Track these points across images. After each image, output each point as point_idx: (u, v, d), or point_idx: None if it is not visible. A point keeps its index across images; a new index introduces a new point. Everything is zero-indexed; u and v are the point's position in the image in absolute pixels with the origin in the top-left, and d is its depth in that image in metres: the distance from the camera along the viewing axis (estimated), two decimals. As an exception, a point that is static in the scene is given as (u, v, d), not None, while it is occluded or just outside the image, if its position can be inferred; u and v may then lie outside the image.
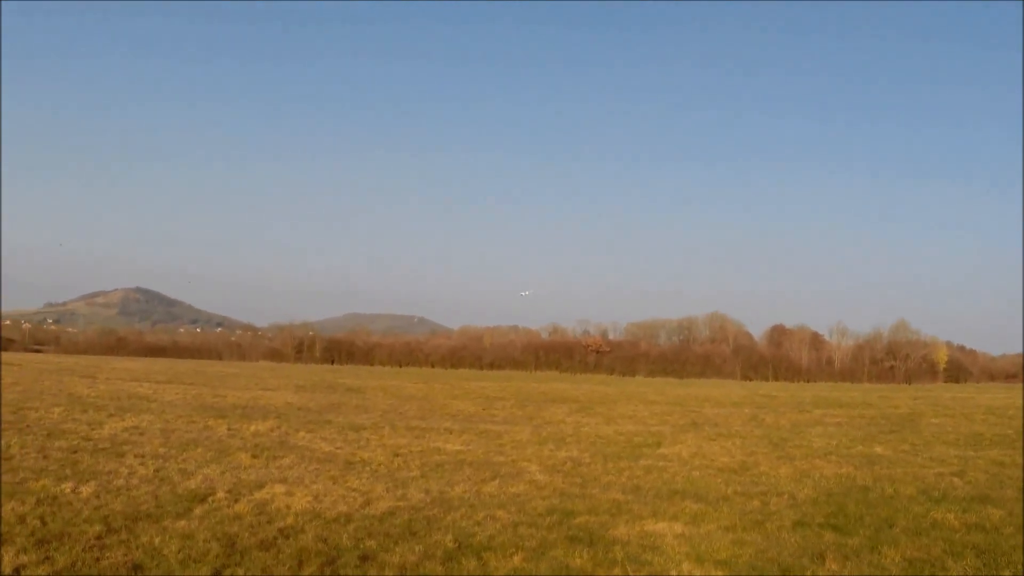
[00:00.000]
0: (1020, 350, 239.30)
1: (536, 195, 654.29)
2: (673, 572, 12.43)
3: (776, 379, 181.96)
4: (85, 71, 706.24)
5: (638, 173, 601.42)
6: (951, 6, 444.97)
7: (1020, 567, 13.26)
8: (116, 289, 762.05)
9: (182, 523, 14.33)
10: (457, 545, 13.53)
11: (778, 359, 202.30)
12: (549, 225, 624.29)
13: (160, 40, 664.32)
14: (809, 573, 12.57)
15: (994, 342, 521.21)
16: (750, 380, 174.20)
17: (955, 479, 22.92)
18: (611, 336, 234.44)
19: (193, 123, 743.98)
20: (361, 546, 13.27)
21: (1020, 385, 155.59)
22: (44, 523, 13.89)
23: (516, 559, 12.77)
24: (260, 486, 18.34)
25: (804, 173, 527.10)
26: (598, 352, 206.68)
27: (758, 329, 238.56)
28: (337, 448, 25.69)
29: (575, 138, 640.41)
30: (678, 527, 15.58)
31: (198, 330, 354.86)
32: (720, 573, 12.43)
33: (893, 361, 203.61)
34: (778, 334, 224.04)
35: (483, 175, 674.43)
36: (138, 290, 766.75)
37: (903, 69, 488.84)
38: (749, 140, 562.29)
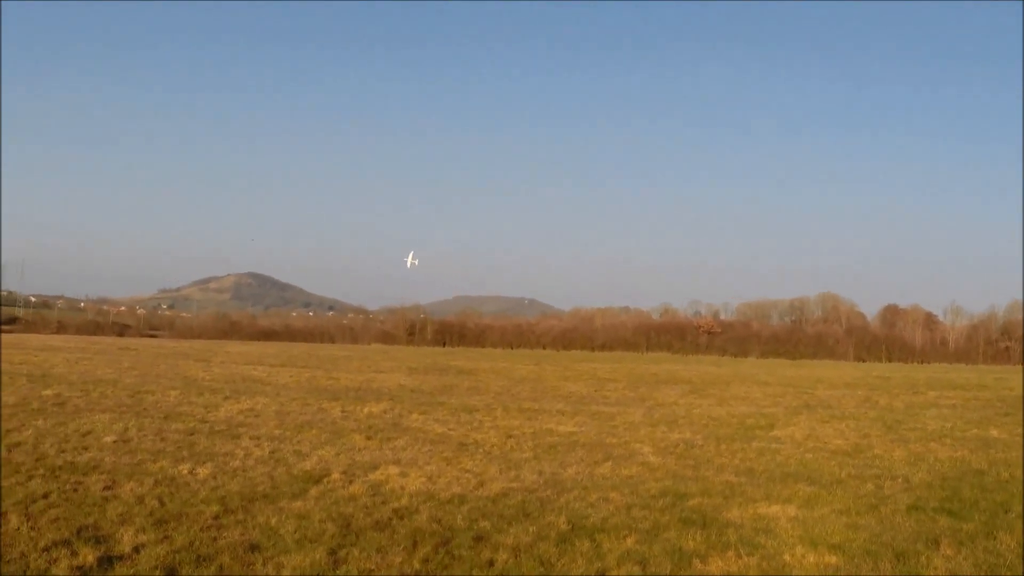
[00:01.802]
0: None
1: (645, 174, 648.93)
2: (786, 555, 12.27)
3: (889, 360, 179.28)
4: (182, 57, 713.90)
5: (745, 150, 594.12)
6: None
7: None
8: (228, 274, 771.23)
9: (298, 504, 14.48)
10: (571, 527, 13.50)
11: (891, 340, 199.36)
12: (658, 205, 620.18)
13: (259, 24, 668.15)
14: (923, 558, 12.35)
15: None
16: (863, 361, 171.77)
17: (1075, 462, 22.45)
18: (722, 316, 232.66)
19: (297, 110, 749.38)
20: (475, 527, 13.30)
21: None
22: (162, 503, 14.09)
23: (629, 541, 12.70)
24: (374, 467, 18.49)
25: (914, 147, 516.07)
26: (710, 333, 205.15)
27: (871, 309, 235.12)
28: (450, 430, 25.81)
29: (685, 113, 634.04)
30: (791, 510, 15.41)
31: (310, 314, 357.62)
32: (834, 557, 12.25)
33: (1008, 342, 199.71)
34: (891, 314, 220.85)
35: (591, 152, 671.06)
36: (251, 275, 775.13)
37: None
38: (860, 112, 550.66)
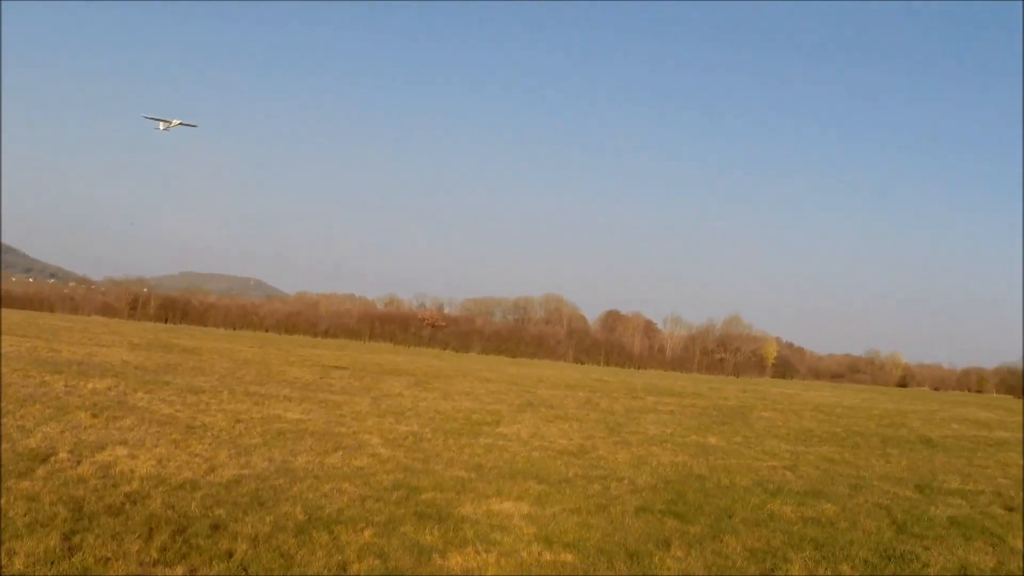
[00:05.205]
0: (846, 351, 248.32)
1: (382, 170, 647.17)
2: (523, 552, 12.61)
3: (608, 364, 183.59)
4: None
5: (480, 152, 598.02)
6: None
7: (856, 562, 13.76)
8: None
9: (25, 484, 14.05)
10: (307, 517, 13.55)
11: (610, 344, 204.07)
12: (391, 198, 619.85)
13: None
14: (656, 559, 12.88)
15: (824, 341, 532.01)
16: (582, 363, 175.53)
17: (788, 473, 23.65)
18: (447, 311, 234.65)
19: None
20: (211, 515, 13.20)
21: (845, 385, 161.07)
22: None
23: (367, 534, 12.82)
24: (102, 447, 18.08)
25: (639, 156, 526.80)
26: (433, 326, 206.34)
27: (593, 313, 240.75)
28: (177, 411, 25.40)
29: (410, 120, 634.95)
30: (524, 507, 15.82)
31: (30, 280, 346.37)
32: (569, 555, 12.65)
33: (723, 353, 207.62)
34: (612, 319, 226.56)
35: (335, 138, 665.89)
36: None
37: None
38: (591, 124, 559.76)
